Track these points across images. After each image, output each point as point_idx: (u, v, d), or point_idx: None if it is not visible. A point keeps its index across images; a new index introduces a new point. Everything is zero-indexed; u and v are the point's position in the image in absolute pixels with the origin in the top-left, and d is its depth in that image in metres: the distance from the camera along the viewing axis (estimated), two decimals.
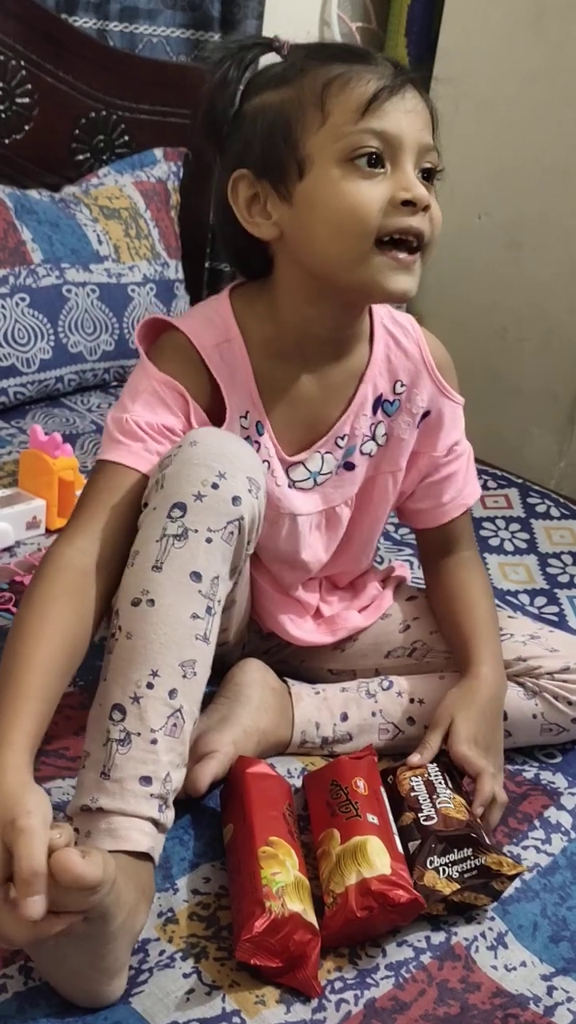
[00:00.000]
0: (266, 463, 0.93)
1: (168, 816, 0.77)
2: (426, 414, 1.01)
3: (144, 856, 0.75)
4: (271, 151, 0.84)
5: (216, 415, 0.91)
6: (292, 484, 0.96)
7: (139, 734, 0.76)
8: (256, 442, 0.93)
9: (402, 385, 0.98)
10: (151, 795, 0.76)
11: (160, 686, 0.77)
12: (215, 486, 0.80)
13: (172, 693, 0.78)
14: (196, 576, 0.79)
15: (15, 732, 0.70)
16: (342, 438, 0.97)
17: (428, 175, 0.85)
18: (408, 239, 0.83)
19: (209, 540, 0.79)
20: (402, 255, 0.83)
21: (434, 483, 1.04)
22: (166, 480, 0.81)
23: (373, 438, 0.99)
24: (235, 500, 0.80)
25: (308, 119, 0.82)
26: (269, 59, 0.89)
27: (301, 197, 0.84)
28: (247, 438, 0.92)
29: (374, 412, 0.98)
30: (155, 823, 0.76)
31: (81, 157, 1.89)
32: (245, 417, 0.92)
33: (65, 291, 1.68)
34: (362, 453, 0.98)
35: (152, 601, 0.78)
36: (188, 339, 0.90)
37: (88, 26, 1.86)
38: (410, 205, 0.82)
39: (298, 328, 0.91)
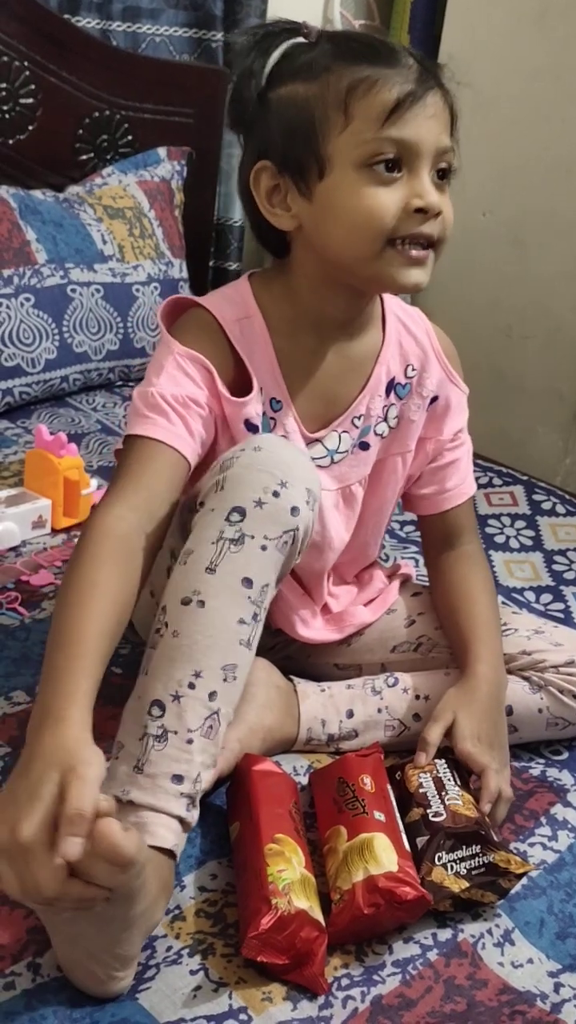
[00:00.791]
0: (284, 437, 0.94)
1: (194, 815, 0.78)
2: (434, 399, 1.03)
3: (168, 853, 0.76)
4: (293, 148, 0.86)
5: (237, 389, 0.92)
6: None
7: (176, 732, 0.77)
8: (272, 418, 0.95)
9: (413, 369, 1.01)
10: (181, 794, 0.77)
11: (201, 687, 0.78)
12: (276, 494, 0.80)
13: (212, 695, 0.78)
14: (248, 582, 0.80)
15: (77, 690, 0.71)
16: (358, 418, 0.98)
17: (443, 174, 0.87)
18: (418, 242, 0.86)
19: (264, 548, 0.80)
20: (414, 252, 0.86)
21: (439, 468, 1.05)
22: (227, 483, 0.82)
23: (385, 420, 1.01)
24: (294, 511, 0.81)
25: (331, 121, 0.84)
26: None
27: (321, 196, 0.86)
28: (264, 414, 0.94)
29: (387, 394, 1.00)
30: (181, 821, 0.77)
31: (85, 157, 1.89)
32: (260, 392, 0.93)
33: (70, 291, 1.68)
34: (376, 434, 1.00)
35: (202, 602, 0.79)
36: (210, 314, 0.92)
37: (91, 26, 1.86)
38: (422, 212, 0.84)
39: (314, 308, 0.93)
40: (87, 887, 0.63)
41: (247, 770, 0.87)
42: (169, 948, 0.76)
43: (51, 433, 1.35)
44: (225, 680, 0.79)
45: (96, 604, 0.76)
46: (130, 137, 1.93)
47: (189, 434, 0.88)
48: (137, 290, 1.78)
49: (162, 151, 1.93)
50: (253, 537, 0.80)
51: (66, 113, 1.84)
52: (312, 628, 1.05)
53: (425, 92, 0.83)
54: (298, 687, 1.01)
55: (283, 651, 1.08)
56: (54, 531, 1.33)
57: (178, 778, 0.77)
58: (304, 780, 0.95)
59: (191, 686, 0.78)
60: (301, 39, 0.88)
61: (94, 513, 0.84)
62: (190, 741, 0.77)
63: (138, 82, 1.89)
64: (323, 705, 1.00)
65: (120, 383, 1.82)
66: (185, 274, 1.90)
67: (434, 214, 0.85)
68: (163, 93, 1.91)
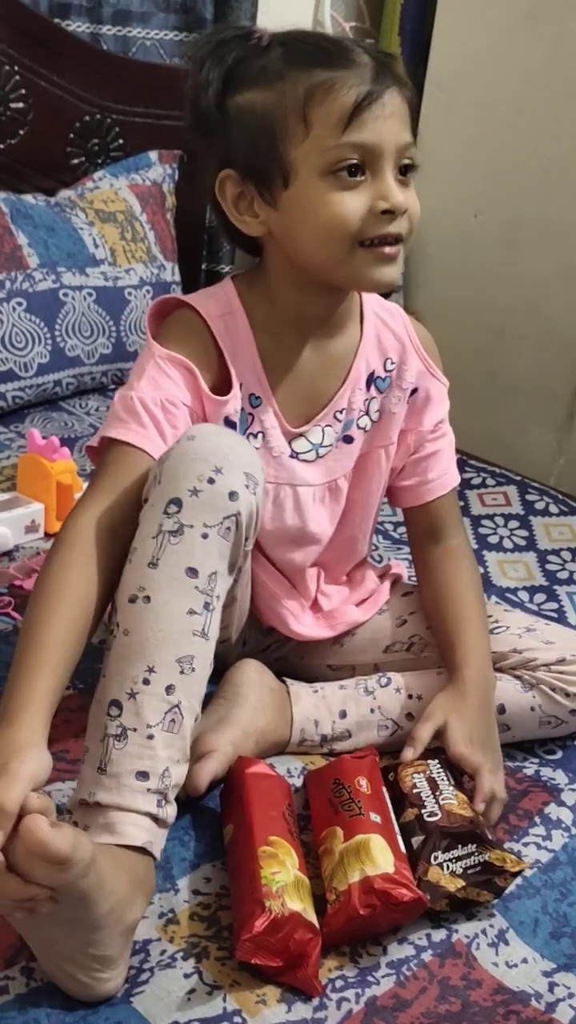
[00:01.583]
0: (260, 434, 0.96)
1: (168, 811, 0.78)
2: (414, 391, 1.04)
3: (142, 851, 0.75)
4: (256, 158, 0.87)
5: (220, 387, 0.93)
6: (296, 455, 0.98)
7: (135, 729, 0.77)
8: (250, 414, 0.95)
9: (392, 363, 1.02)
10: (148, 790, 0.76)
11: (156, 682, 0.78)
12: (211, 481, 0.80)
13: (169, 689, 0.78)
14: (192, 572, 0.80)
15: (34, 696, 0.72)
16: (340, 411, 0.99)
17: (406, 170, 0.88)
18: (387, 241, 0.87)
19: (205, 536, 0.80)
20: (385, 249, 0.87)
21: (420, 459, 1.06)
22: (163, 475, 0.82)
23: (367, 413, 1.01)
24: (232, 495, 0.81)
25: (291, 130, 0.85)
26: None
27: (286, 204, 0.87)
28: (242, 409, 0.94)
29: (367, 388, 1.01)
30: (153, 818, 0.76)
31: (76, 161, 1.89)
32: (240, 388, 0.94)
33: (62, 295, 1.68)
34: (359, 427, 1.01)
35: (148, 598, 0.79)
36: (194, 310, 0.93)
37: (81, 30, 1.86)
38: (389, 213, 0.85)
39: (292, 306, 0.94)
40: (25, 886, 0.63)
41: (240, 772, 0.87)
42: (163, 952, 0.76)
43: (44, 437, 1.35)
44: (182, 672, 0.78)
45: (61, 610, 0.78)
46: (121, 141, 1.93)
47: (164, 439, 0.88)
48: (129, 294, 1.78)
49: (153, 155, 1.93)
50: (192, 526, 0.80)
51: (57, 117, 1.84)
52: (303, 624, 1.05)
53: (382, 91, 0.84)
54: (291, 688, 1.01)
55: (276, 652, 1.08)
56: (47, 535, 1.32)
57: (143, 775, 0.76)
58: (298, 782, 0.95)
59: (146, 682, 0.77)
60: (253, 43, 0.87)
61: (69, 516, 0.85)
62: (151, 737, 0.77)
63: (129, 86, 1.89)
64: (316, 706, 1.00)
65: (113, 387, 1.81)
66: (177, 277, 1.90)
67: (400, 214, 0.86)
68: (154, 96, 1.91)
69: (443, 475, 1.07)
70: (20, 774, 0.65)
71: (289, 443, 0.98)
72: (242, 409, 0.95)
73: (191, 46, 0.92)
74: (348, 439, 1.01)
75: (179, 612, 0.79)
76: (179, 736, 0.78)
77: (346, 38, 0.90)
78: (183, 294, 1.01)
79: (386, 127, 0.84)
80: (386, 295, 1.04)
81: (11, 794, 0.64)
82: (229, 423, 0.94)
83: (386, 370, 1.02)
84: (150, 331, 0.95)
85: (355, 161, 0.84)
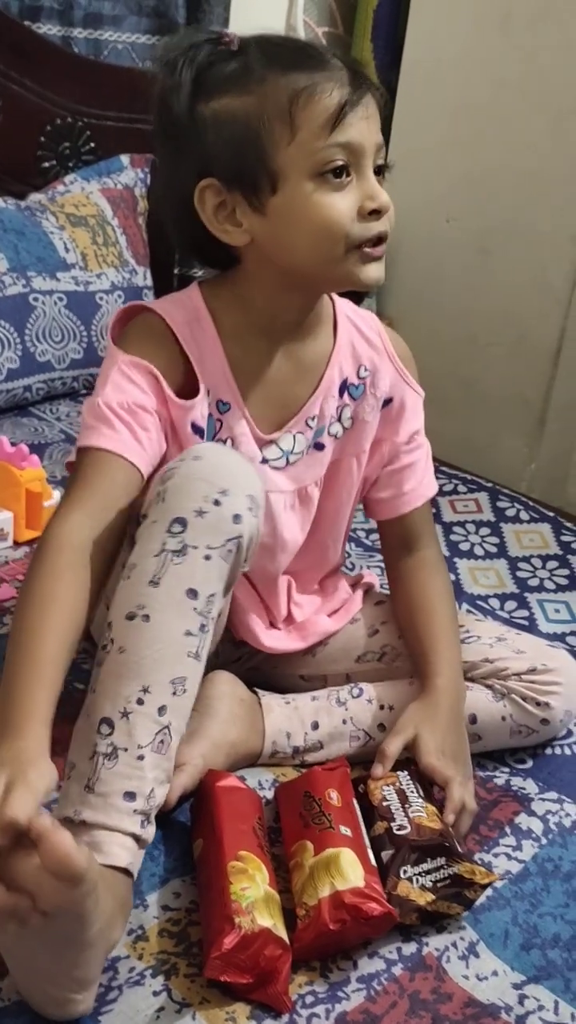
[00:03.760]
0: (229, 440, 0.95)
1: (149, 832, 0.77)
2: (388, 400, 1.03)
3: (123, 871, 0.75)
4: (240, 164, 0.86)
5: (186, 391, 0.92)
6: (265, 461, 0.98)
7: (126, 749, 0.76)
8: (219, 420, 0.94)
9: (365, 370, 1.01)
10: (134, 811, 0.76)
11: (150, 702, 0.77)
12: (217, 503, 0.80)
13: (162, 710, 0.78)
14: (192, 593, 0.79)
15: (36, 707, 0.71)
16: (312, 418, 0.99)
17: (380, 170, 0.89)
18: (377, 244, 0.88)
19: (208, 557, 0.80)
20: (372, 249, 0.88)
21: (395, 471, 1.06)
22: (167, 494, 0.81)
23: (339, 420, 1.01)
24: (236, 518, 0.80)
25: (277, 135, 0.84)
26: None
27: (275, 210, 0.87)
28: (209, 415, 0.94)
29: (340, 395, 1.00)
30: (136, 838, 0.76)
31: (47, 164, 1.88)
32: (207, 394, 0.93)
33: (32, 299, 1.67)
34: (330, 434, 1.01)
35: (147, 616, 0.78)
36: (159, 316, 0.92)
37: (52, 33, 1.85)
38: (376, 213, 0.86)
39: (266, 313, 0.94)
40: (8, 893, 0.61)
41: (211, 786, 0.87)
42: (132, 969, 0.75)
43: (12, 444, 1.34)
44: (175, 694, 0.78)
45: (54, 618, 0.77)
46: (93, 144, 1.91)
47: (137, 442, 0.88)
48: (101, 298, 1.77)
49: (125, 158, 1.92)
50: (196, 547, 0.79)
51: (28, 120, 1.82)
52: (275, 637, 1.05)
53: (363, 93, 0.85)
54: (262, 700, 1.01)
55: (248, 663, 1.07)
56: (16, 544, 1.31)
57: (130, 795, 0.76)
58: (269, 794, 0.94)
59: (140, 702, 0.77)
60: (222, 48, 0.87)
61: (50, 523, 0.84)
62: (141, 757, 0.76)
63: (100, 89, 1.88)
64: (288, 717, 0.99)
65: (84, 392, 1.80)
66: (149, 282, 1.89)
67: (386, 212, 0.87)
68: (126, 100, 1.90)
69: (417, 487, 1.06)
70: (37, 787, 0.64)
71: (260, 449, 0.97)
72: (210, 415, 0.94)
73: (159, 49, 0.92)
74: (319, 446, 1.01)
75: (177, 633, 0.79)
76: (166, 757, 0.79)
77: (319, 44, 0.90)
78: (151, 300, 1.00)
79: (366, 127, 0.86)
80: (358, 300, 1.05)
81: (28, 807, 0.62)
82: (196, 428, 0.93)
83: (359, 377, 1.01)
84: (112, 337, 0.94)
85: (342, 162, 0.85)
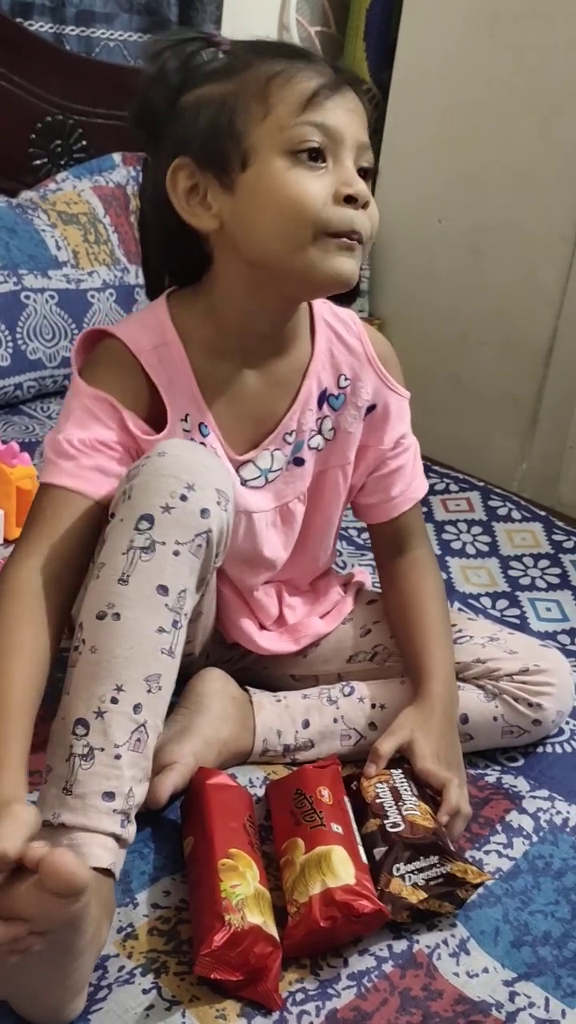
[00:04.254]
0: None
1: (130, 831, 0.77)
2: (371, 408, 1.01)
3: (106, 872, 0.74)
4: (214, 142, 0.84)
5: (156, 419, 0.91)
6: (244, 483, 0.96)
7: (103, 749, 0.76)
8: (200, 443, 0.92)
9: (345, 379, 0.98)
10: (113, 810, 0.75)
11: (125, 701, 0.77)
12: (183, 498, 0.79)
13: (137, 708, 0.77)
14: (163, 589, 0.78)
15: (9, 754, 0.72)
16: (290, 434, 0.96)
17: (364, 174, 0.86)
18: (350, 236, 0.84)
19: (177, 553, 0.79)
20: (344, 240, 0.84)
21: (382, 477, 1.04)
22: (133, 491, 0.80)
23: (320, 432, 0.99)
24: (204, 512, 0.80)
25: (252, 111, 0.83)
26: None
27: (244, 187, 0.84)
28: (190, 440, 0.91)
29: (319, 406, 0.98)
30: (117, 838, 0.75)
31: (38, 162, 1.87)
32: (186, 420, 0.92)
33: (23, 297, 1.66)
34: (310, 448, 0.99)
35: (118, 615, 0.78)
36: (123, 344, 0.89)
37: (44, 30, 1.84)
38: (352, 201, 0.83)
39: (238, 324, 0.91)
40: (8, 926, 0.62)
41: (201, 784, 0.87)
42: (121, 968, 0.75)
43: (3, 442, 1.34)
44: (149, 691, 0.78)
45: (18, 667, 0.77)
46: (84, 142, 1.91)
47: (103, 476, 0.86)
48: (92, 296, 1.77)
49: (117, 156, 1.92)
50: (164, 543, 0.78)
51: (19, 118, 1.82)
52: (267, 638, 1.05)
53: (342, 85, 0.84)
54: (253, 698, 1.00)
55: (238, 663, 1.07)
56: (6, 542, 1.31)
57: (109, 795, 0.75)
58: (260, 792, 0.94)
59: (114, 701, 0.76)
60: (212, 48, 0.87)
61: (7, 568, 0.83)
62: (118, 757, 0.76)
63: (92, 87, 1.88)
64: (279, 716, 0.99)
65: None
66: (141, 280, 1.88)
67: (362, 203, 0.83)
68: (117, 98, 1.87)
69: (406, 490, 1.05)
70: (24, 819, 0.64)
71: (237, 470, 0.95)
72: (191, 440, 0.91)
73: (149, 44, 0.90)
74: (299, 461, 0.98)
75: (149, 630, 0.78)
76: (143, 755, 0.78)
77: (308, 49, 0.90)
78: (149, 300, 0.98)
79: (346, 117, 0.84)
80: (347, 301, 1.01)
81: (16, 840, 0.62)
82: None
83: (339, 387, 0.98)
84: (76, 366, 0.92)
85: (316, 144, 0.82)
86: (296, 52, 0.87)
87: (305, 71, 0.83)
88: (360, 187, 0.83)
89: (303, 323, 0.96)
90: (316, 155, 0.83)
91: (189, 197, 0.86)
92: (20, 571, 0.83)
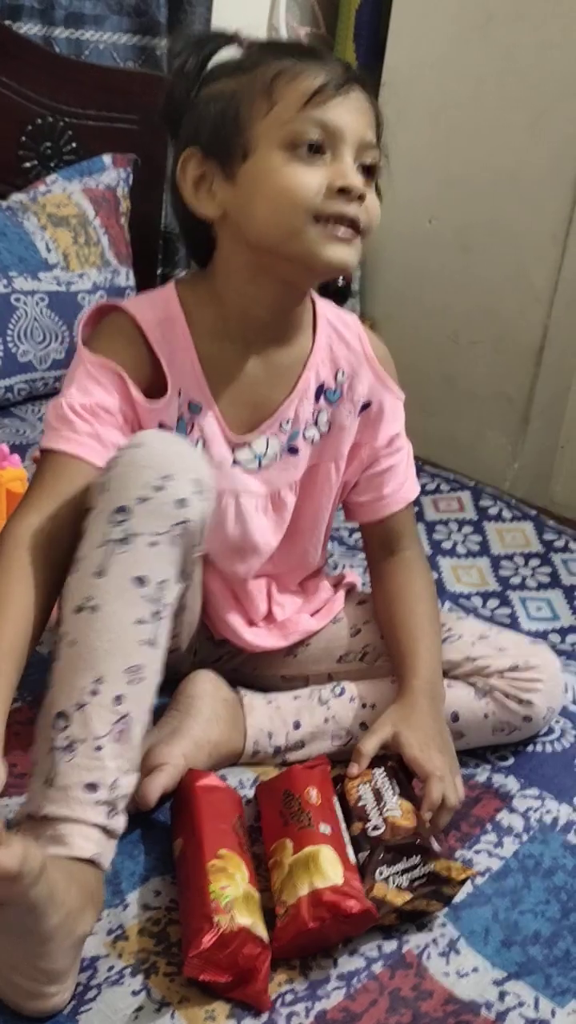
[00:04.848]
0: (200, 441, 0.94)
1: (118, 821, 0.77)
2: (367, 405, 1.02)
3: (91, 863, 0.74)
4: (220, 133, 0.87)
5: (156, 391, 0.92)
6: (236, 463, 0.97)
7: (84, 741, 0.76)
8: (189, 422, 0.94)
9: (343, 374, 1.00)
10: (97, 801, 0.75)
11: (105, 692, 0.77)
12: (159, 488, 0.79)
13: (118, 699, 0.77)
14: (140, 581, 0.79)
15: None
16: (287, 422, 0.98)
17: (369, 171, 0.88)
18: (345, 224, 0.86)
19: (154, 544, 0.79)
20: (340, 231, 0.86)
21: (375, 475, 1.05)
22: (110, 483, 0.81)
23: (316, 424, 1.00)
24: (181, 502, 0.80)
25: (256, 106, 0.86)
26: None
27: (244, 178, 0.87)
28: (180, 417, 0.93)
29: (316, 399, 0.99)
30: (103, 829, 0.75)
31: (28, 164, 1.87)
32: (179, 395, 0.93)
33: (13, 300, 1.66)
34: (305, 439, 1.00)
35: (95, 607, 0.78)
36: (129, 316, 0.92)
37: (33, 32, 1.84)
38: (345, 193, 0.85)
39: (240, 309, 0.93)
40: None
41: (190, 785, 0.87)
42: (111, 968, 0.75)
43: None
44: (131, 683, 0.78)
45: (6, 621, 0.78)
46: (74, 144, 1.91)
47: (100, 444, 0.88)
48: (83, 299, 1.76)
49: (107, 158, 1.92)
50: (140, 534, 0.79)
51: (8, 120, 1.82)
52: (256, 634, 1.05)
53: (349, 84, 0.86)
54: (244, 699, 1.00)
55: (229, 663, 1.07)
56: None
57: (91, 786, 0.75)
58: (250, 793, 0.94)
59: (94, 692, 0.76)
60: (236, 46, 0.91)
61: (8, 524, 0.85)
62: (99, 748, 0.76)
63: (82, 89, 1.87)
64: (269, 717, 0.99)
65: None
66: (132, 282, 1.89)
67: (356, 196, 0.85)
68: (107, 100, 1.90)
69: (398, 490, 1.06)
70: None
71: (232, 451, 0.97)
72: (180, 417, 0.94)
73: (174, 43, 0.96)
74: (293, 450, 1.00)
75: (127, 621, 0.78)
76: (128, 746, 0.77)
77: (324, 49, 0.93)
78: (123, 300, 1.00)
79: (349, 116, 0.86)
80: (339, 301, 1.03)
81: None
82: (165, 429, 0.93)
83: (336, 382, 1.00)
84: (82, 337, 0.94)
85: (315, 139, 0.85)
86: (308, 52, 0.89)
87: (311, 69, 0.85)
88: (353, 180, 0.85)
89: (306, 318, 0.98)
90: (314, 148, 0.85)
91: (198, 186, 0.89)
92: (18, 528, 0.84)
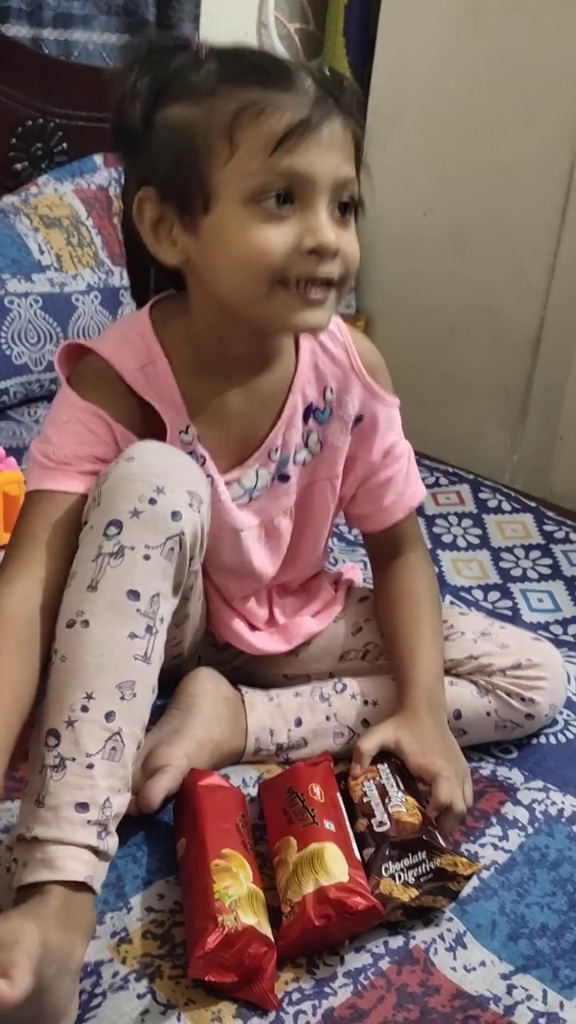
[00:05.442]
0: (211, 478, 0.91)
1: (110, 843, 0.75)
2: (359, 419, 0.98)
3: (82, 886, 0.72)
4: (175, 178, 0.80)
5: (148, 435, 0.88)
6: (228, 498, 0.94)
7: (74, 759, 0.74)
8: (201, 456, 0.91)
9: (331, 392, 0.95)
10: (88, 822, 0.73)
11: (96, 709, 0.75)
12: (153, 501, 0.78)
13: (109, 716, 0.75)
14: (134, 595, 0.77)
15: None
16: (275, 451, 0.94)
17: (346, 208, 0.81)
18: (317, 285, 0.80)
19: (147, 557, 0.78)
20: (312, 294, 0.80)
21: (373, 488, 1.02)
22: (102, 497, 0.79)
23: (306, 446, 0.97)
24: (174, 515, 0.78)
25: (215, 150, 0.78)
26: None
27: (206, 231, 0.80)
28: (191, 453, 0.89)
29: (305, 421, 0.96)
30: (94, 851, 0.73)
31: (19, 166, 1.86)
32: (186, 432, 0.90)
33: (7, 302, 1.65)
34: (295, 463, 0.97)
35: (87, 622, 0.77)
36: (107, 363, 0.87)
37: (21, 34, 1.83)
38: (315, 254, 0.78)
39: (216, 347, 0.89)
40: None
41: (193, 785, 0.86)
42: (115, 974, 0.74)
43: None
44: (123, 699, 0.76)
45: (1, 700, 0.75)
46: (65, 145, 1.90)
47: (89, 482, 0.84)
48: (77, 299, 1.76)
49: (98, 158, 1.91)
50: (133, 548, 0.77)
51: None
52: (258, 638, 1.04)
53: (321, 120, 0.77)
54: (245, 697, 1.00)
55: (230, 663, 1.07)
56: None
57: (82, 806, 0.73)
58: (253, 792, 0.94)
59: (84, 709, 0.74)
60: (189, 56, 0.81)
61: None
62: (91, 766, 0.74)
63: (71, 89, 1.87)
64: (271, 715, 0.99)
65: None
66: (126, 282, 1.87)
67: (330, 254, 0.78)
68: (97, 100, 1.88)
69: (398, 500, 1.02)
70: None
71: (224, 488, 0.93)
72: (192, 452, 0.90)
73: (123, 49, 0.86)
74: (284, 477, 0.96)
75: (119, 636, 0.77)
76: (120, 764, 0.76)
77: (293, 60, 0.83)
78: (133, 302, 0.95)
79: (322, 158, 0.77)
80: None
81: None
82: None
83: (325, 400, 0.95)
84: (63, 375, 0.89)
85: (283, 189, 0.77)
86: (273, 73, 0.78)
87: (278, 104, 0.76)
88: (326, 237, 0.78)
89: (287, 341, 0.93)
90: (283, 199, 0.78)
91: (157, 228, 0.83)
92: (11, 598, 0.80)
